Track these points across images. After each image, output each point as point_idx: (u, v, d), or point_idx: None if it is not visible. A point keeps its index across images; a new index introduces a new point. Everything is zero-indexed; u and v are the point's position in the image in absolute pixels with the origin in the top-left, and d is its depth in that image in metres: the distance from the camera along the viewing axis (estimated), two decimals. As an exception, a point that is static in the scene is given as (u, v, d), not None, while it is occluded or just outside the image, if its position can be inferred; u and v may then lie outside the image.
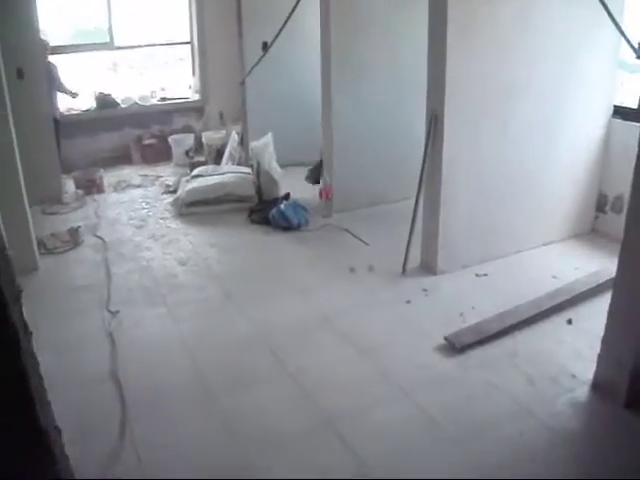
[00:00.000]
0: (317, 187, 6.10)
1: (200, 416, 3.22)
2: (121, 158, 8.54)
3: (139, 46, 9.08)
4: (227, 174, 6.56)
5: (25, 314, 3.60)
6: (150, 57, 9.92)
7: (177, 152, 8.42)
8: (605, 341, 3.23)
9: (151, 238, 5.64)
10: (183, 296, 4.51)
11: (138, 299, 4.48)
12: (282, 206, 5.70)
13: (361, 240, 5.29)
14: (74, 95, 7.49)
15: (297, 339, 3.87)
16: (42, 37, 6.78)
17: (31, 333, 1.53)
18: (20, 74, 6.25)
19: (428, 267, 4.63)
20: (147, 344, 3.90)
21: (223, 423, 3.15)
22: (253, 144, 6.42)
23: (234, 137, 7.59)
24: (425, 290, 4.39)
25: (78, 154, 8.02)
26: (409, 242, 4.61)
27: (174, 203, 6.47)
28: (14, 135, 4.79)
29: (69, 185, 7.23)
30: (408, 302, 4.23)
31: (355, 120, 5.71)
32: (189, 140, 8.49)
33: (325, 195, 5.85)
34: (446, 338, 3.68)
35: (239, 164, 7.29)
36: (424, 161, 4.39)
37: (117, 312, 4.26)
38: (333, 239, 5.43)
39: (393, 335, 3.87)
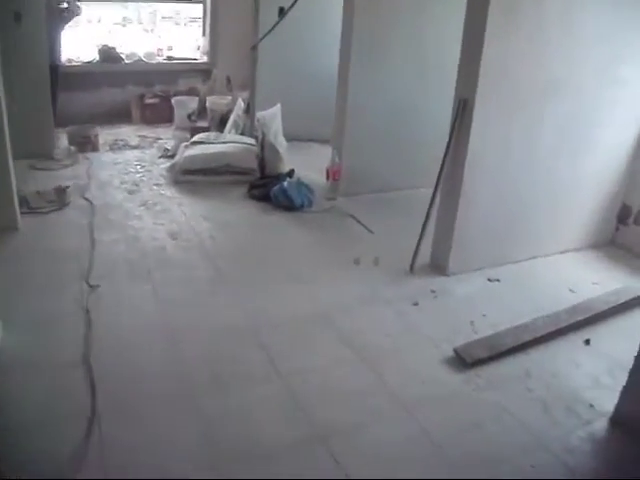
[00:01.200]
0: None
1: (178, 416, 2.87)
2: (120, 116, 8.23)
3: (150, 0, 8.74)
4: (229, 144, 6.19)
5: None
6: (159, 14, 9.60)
7: (179, 115, 8.08)
8: (634, 373, 2.90)
9: (143, 205, 5.27)
10: (171, 274, 4.14)
11: (122, 273, 4.12)
12: (285, 183, 5.32)
13: (367, 229, 4.92)
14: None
15: (292, 335, 3.51)
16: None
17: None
18: (17, 17, 5.83)
19: (438, 266, 4.28)
20: (126, 326, 3.52)
21: (202, 427, 2.80)
22: (260, 114, 6.02)
23: (240, 104, 7.20)
24: (434, 292, 4.04)
25: (75, 108, 7.70)
26: (421, 237, 4.24)
27: (170, 169, 6.10)
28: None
29: (62, 140, 6.86)
30: (415, 304, 3.87)
31: (372, 100, 5.34)
32: (193, 103, 8.14)
33: (332, 176, 5.48)
34: (456, 350, 3.34)
35: (243, 133, 6.93)
36: (446, 152, 4.02)
37: (97, 286, 3.89)
38: (337, 224, 5.07)
39: (397, 340, 3.51)
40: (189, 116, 8.05)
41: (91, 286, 3.90)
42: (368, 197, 5.53)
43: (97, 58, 8.17)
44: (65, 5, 6.88)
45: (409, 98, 5.45)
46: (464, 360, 3.27)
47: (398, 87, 5.40)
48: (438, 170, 4.14)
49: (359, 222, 5.02)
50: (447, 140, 3.99)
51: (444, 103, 4.13)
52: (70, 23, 7.14)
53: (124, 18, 9.57)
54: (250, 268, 4.29)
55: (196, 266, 4.28)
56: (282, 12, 6.18)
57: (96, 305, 3.69)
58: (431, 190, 4.22)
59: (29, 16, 5.92)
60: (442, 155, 4.08)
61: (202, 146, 6.14)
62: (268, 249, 4.61)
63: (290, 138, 6.38)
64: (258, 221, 5.11)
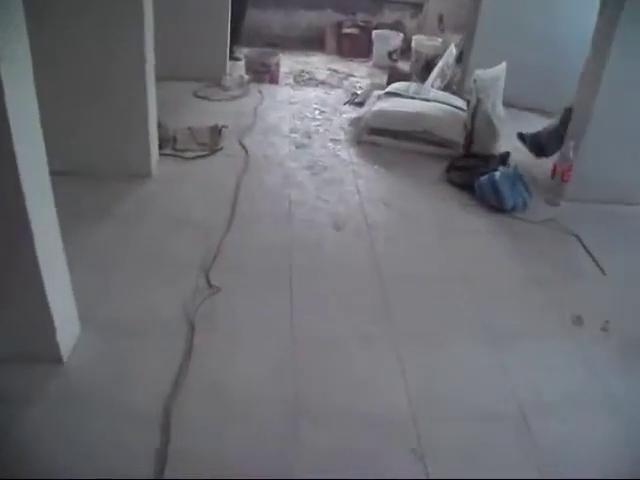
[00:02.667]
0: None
1: None
2: (313, 43, 7.31)
3: None
4: (433, 103, 4.85)
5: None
6: None
7: (379, 51, 7.04)
8: None
9: (309, 169, 4.16)
10: (319, 290, 2.96)
11: (254, 271, 3.03)
12: (497, 174, 3.92)
13: (598, 265, 3.46)
14: None
15: (465, 444, 2.21)
16: None
17: None
18: None
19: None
20: (235, 367, 2.43)
21: None
22: (479, 73, 4.61)
23: (451, 51, 5.89)
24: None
25: (266, 28, 7.00)
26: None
27: (354, 123, 4.94)
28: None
29: (239, 64, 5.91)
30: (660, 415, 2.48)
31: (635, 80, 3.82)
32: (396, 40, 7.02)
33: (560, 174, 4.06)
34: None
35: (448, 86, 5.63)
36: None
37: (217, 289, 2.83)
38: (556, 248, 3.62)
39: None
40: (390, 54, 7.01)
41: (210, 285, 2.86)
42: (602, 208, 4.06)
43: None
44: None
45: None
46: None
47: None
48: None
49: (587, 252, 3.59)
50: None
51: None
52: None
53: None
54: (428, 305, 2.98)
55: (356, 283, 3.07)
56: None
57: (206, 320, 2.63)
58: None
59: None
60: None
61: (397, 100, 4.88)
62: (458, 275, 3.25)
63: (509, 104, 5.02)
64: (453, 223, 3.77)
